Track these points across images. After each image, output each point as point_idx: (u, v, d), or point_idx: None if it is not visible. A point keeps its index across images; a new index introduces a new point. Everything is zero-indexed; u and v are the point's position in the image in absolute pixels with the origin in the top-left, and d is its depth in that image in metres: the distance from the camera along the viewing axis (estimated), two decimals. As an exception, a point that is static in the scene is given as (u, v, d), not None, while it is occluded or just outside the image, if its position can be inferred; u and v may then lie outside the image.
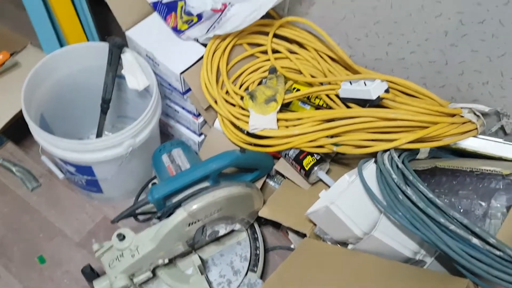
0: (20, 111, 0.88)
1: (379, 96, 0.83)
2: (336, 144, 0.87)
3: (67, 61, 0.97)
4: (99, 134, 1.05)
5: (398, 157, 0.78)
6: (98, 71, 0.98)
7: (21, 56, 1.06)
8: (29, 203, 1.09)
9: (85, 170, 0.94)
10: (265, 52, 1.00)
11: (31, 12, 1.00)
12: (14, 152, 1.15)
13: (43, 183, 1.12)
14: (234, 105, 0.95)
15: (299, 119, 0.90)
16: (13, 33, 1.11)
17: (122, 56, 0.96)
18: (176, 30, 0.95)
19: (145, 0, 0.97)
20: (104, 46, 0.95)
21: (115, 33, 1.12)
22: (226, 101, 0.95)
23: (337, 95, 0.92)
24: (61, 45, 1.07)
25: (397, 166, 0.75)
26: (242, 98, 0.94)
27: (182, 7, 0.90)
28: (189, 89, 0.97)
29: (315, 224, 0.86)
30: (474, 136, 0.80)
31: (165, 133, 1.19)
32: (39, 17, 1.01)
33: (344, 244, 0.81)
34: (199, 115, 1.03)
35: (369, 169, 0.79)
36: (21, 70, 1.04)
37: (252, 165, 0.93)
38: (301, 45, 1.01)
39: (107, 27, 1.22)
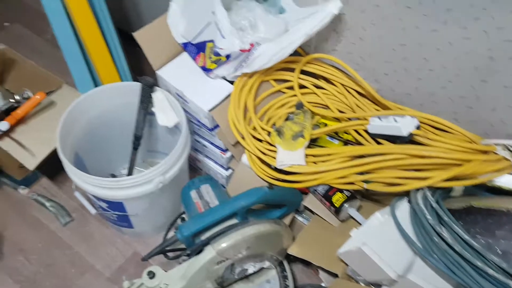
0: (55, 149, 0.91)
1: (410, 133, 0.82)
2: (366, 181, 0.86)
3: (101, 99, 1.01)
4: (130, 170, 1.08)
5: (432, 195, 0.76)
6: (130, 108, 1.01)
7: (56, 96, 1.10)
8: (62, 237, 1.11)
9: (117, 206, 0.95)
10: (291, 88, 1.01)
11: (66, 54, 1.05)
12: (48, 187, 1.19)
13: (75, 218, 1.14)
14: (261, 141, 0.96)
15: (327, 154, 0.90)
16: (49, 72, 1.16)
17: (153, 94, 0.98)
18: (205, 69, 0.98)
19: (175, 41, 1.00)
20: (136, 85, 0.98)
21: (146, 72, 1.16)
22: (254, 136, 0.96)
23: (366, 130, 0.92)
24: (96, 84, 1.11)
25: (431, 205, 0.74)
26: (269, 133, 0.94)
27: (211, 48, 0.92)
28: (217, 125, 0.98)
29: (347, 264, 0.84)
30: (510, 174, 0.77)
31: (193, 167, 1.20)
32: (74, 58, 1.06)
33: (377, 286, 0.79)
34: (226, 150, 1.04)
35: (402, 208, 0.77)
36: (57, 109, 1.08)
37: (281, 201, 0.93)
38: (327, 80, 1.01)
39: (139, 65, 1.26)
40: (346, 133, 0.98)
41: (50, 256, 1.08)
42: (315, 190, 0.93)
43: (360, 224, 0.88)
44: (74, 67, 1.07)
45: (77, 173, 0.89)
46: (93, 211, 1.00)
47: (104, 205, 0.96)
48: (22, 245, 1.09)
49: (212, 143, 1.06)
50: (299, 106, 0.98)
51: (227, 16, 0.84)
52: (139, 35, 0.97)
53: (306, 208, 0.98)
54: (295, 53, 1.01)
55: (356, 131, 0.95)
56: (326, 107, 1.00)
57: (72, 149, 0.99)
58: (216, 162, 1.12)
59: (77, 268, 1.06)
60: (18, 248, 1.08)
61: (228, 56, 0.90)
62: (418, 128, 0.84)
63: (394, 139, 0.86)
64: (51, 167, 1.03)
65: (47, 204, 1.14)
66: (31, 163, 1.00)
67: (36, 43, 1.49)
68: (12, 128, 1.02)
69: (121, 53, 1.12)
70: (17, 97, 1.06)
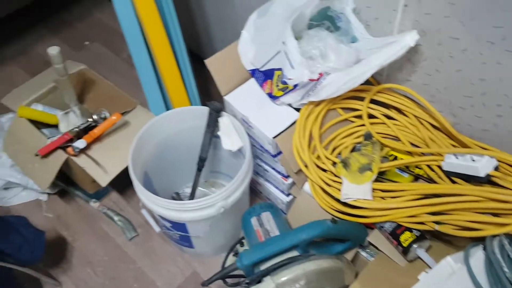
0: (127, 167, 0.95)
1: (487, 174, 0.76)
2: (438, 222, 0.81)
3: (171, 122, 1.05)
4: (193, 189, 1.10)
5: (510, 244, 0.70)
6: (196, 131, 1.03)
7: (130, 116, 1.16)
8: (127, 252, 1.15)
9: (180, 226, 0.98)
10: (360, 117, 0.98)
11: (142, 77, 1.10)
12: (117, 201, 1.24)
13: (140, 233, 1.18)
14: (325, 171, 0.94)
15: (397, 190, 0.86)
16: (125, 93, 1.22)
17: (220, 119, 1.00)
18: (271, 96, 0.98)
19: (244, 68, 1.01)
20: (204, 110, 1.01)
21: (212, 91, 1.18)
22: (317, 166, 0.94)
23: (439, 166, 0.87)
24: (167, 106, 1.16)
25: (508, 255, 0.68)
26: (334, 164, 0.92)
27: (279, 76, 0.92)
28: (280, 152, 0.98)
29: (412, 309, 0.79)
30: None
31: (254, 190, 1.21)
32: (148, 82, 1.11)
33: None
34: (288, 176, 1.03)
35: (477, 256, 0.71)
36: (130, 129, 1.13)
37: (344, 236, 0.90)
38: (399, 111, 0.97)
39: (206, 85, 1.30)
40: (417, 167, 0.93)
41: (115, 270, 1.12)
42: (382, 227, 0.89)
43: (429, 266, 0.82)
44: (148, 90, 1.12)
45: (145, 193, 0.92)
46: (157, 229, 1.03)
47: (168, 224, 0.99)
48: (90, 257, 1.14)
49: (274, 169, 1.06)
50: (368, 136, 0.95)
51: (297, 47, 0.84)
52: (210, 62, 0.99)
53: (370, 243, 0.94)
54: (366, 81, 0.99)
55: (428, 166, 0.90)
56: (397, 138, 0.96)
57: (142, 168, 1.03)
58: (277, 187, 1.11)
59: (140, 283, 1.10)
60: (86, 260, 1.14)
61: (295, 85, 0.89)
62: (496, 169, 0.78)
63: (469, 179, 0.80)
64: (121, 182, 1.07)
65: (115, 218, 1.20)
66: (104, 180, 1.06)
67: (113, 62, 1.58)
68: (88, 145, 1.08)
69: (192, 77, 1.15)
70: (95, 117, 1.12)
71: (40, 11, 1.74)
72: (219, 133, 1.01)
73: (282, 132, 0.96)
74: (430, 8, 0.79)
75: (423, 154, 0.90)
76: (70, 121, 1.17)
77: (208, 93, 1.32)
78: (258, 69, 0.99)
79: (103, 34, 1.67)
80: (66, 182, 1.24)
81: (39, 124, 1.18)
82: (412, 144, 0.94)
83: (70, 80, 1.11)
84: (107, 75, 1.46)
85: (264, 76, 0.98)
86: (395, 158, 0.95)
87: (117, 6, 1.01)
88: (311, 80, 0.87)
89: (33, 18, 1.72)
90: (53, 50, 1.01)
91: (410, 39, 0.80)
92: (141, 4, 1.00)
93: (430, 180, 0.90)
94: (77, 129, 1.10)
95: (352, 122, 1.00)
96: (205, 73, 1.00)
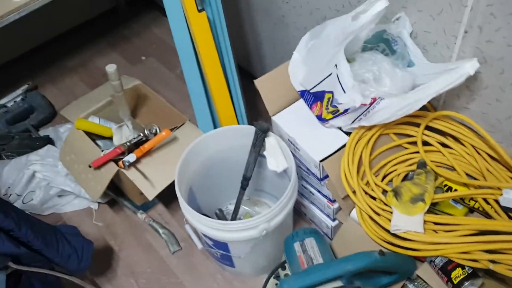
0: (173, 182, 0.97)
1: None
2: (493, 261, 0.76)
3: (218, 140, 1.06)
4: (236, 208, 1.10)
5: None
6: (242, 150, 1.03)
7: (179, 131, 1.18)
8: (169, 265, 1.17)
9: (222, 245, 0.97)
10: (413, 143, 0.94)
11: (192, 95, 1.13)
12: (163, 213, 1.27)
13: (183, 248, 1.20)
14: (375, 198, 0.90)
15: (451, 224, 0.81)
16: (175, 109, 1.25)
17: (266, 139, 1.00)
18: (320, 118, 0.96)
19: (293, 88, 1.01)
20: (251, 129, 1.01)
21: (262, 111, 1.18)
22: (366, 192, 0.91)
23: (497, 201, 0.81)
24: (214, 124, 1.17)
25: None
26: (384, 192, 0.89)
27: (329, 99, 0.91)
28: (327, 176, 0.96)
29: None
30: None
31: (298, 211, 1.19)
32: (198, 100, 1.13)
33: None
34: (334, 200, 1.00)
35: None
36: (178, 144, 1.16)
37: (392, 269, 0.86)
38: (455, 139, 0.92)
39: (254, 103, 1.30)
40: (472, 199, 0.88)
41: (157, 282, 1.14)
42: (432, 261, 0.84)
43: (482, 308, 0.77)
44: (197, 108, 1.14)
45: (189, 210, 0.93)
46: (199, 246, 1.04)
47: (210, 242, 0.99)
48: (134, 268, 1.17)
49: (320, 192, 1.04)
50: (421, 165, 0.90)
51: (349, 71, 0.82)
52: (259, 83, 0.99)
53: (419, 276, 0.89)
54: (422, 107, 0.95)
55: (485, 199, 0.84)
56: (452, 168, 0.91)
57: (187, 184, 1.04)
58: (322, 211, 1.08)
59: (180, 298, 1.10)
60: (130, 271, 1.16)
61: (346, 109, 0.87)
62: None
63: (530, 217, 0.75)
64: (167, 195, 1.09)
65: (160, 230, 1.22)
66: (151, 194, 1.08)
67: (167, 77, 1.63)
68: (138, 159, 1.11)
69: (240, 96, 1.16)
70: (146, 132, 1.15)
71: (101, 26, 1.83)
72: (264, 153, 1.01)
73: (330, 155, 0.94)
74: (492, 36, 0.75)
75: (479, 186, 0.85)
76: (123, 134, 1.22)
77: (256, 109, 1.32)
78: (308, 90, 0.98)
79: (159, 49, 1.73)
80: (116, 192, 1.27)
81: (94, 136, 1.23)
82: (468, 175, 0.89)
83: (125, 96, 1.15)
84: (160, 90, 1.52)
85: (314, 97, 0.97)
86: (449, 188, 0.91)
87: (172, 24, 1.04)
88: (363, 104, 0.85)
89: (95, 32, 1.81)
90: (111, 68, 1.05)
91: (470, 67, 0.76)
92: (195, 23, 1.02)
93: (486, 215, 0.85)
94: (128, 144, 1.13)
95: (406, 148, 0.96)
96: (254, 88, 1.01)
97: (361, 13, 0.81)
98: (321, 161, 0.93)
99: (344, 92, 0.84)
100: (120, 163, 1.09)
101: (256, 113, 1.34)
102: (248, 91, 1.18)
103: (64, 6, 1.41)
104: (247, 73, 1.50)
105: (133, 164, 1.11)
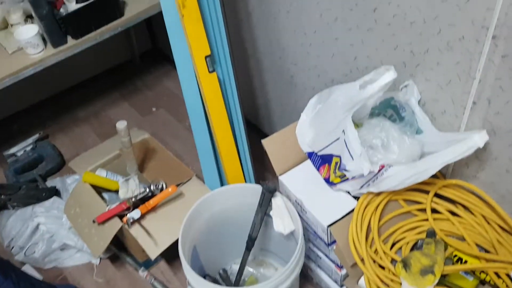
0: (177, 240, 0.95)
1: None
2: None
3: (224, 198, 1.05)
4: (241, 269, 1.07)
5: None
6: (248, 208, 1.02)
7: (186, 187, 1.17)
8: (170, 327, 1.12)
9: (224, 311, 0.94)
10: (423, 210, 0.92)
11: (200, 152, 1.13)
12: (165, 271, 1.24)
13: (184, 308, 1.16)
14: (383, 267, 0.87)
15: (461, 300, 0.78)
16: (183, 164, 1.25)
17: (273, 199, 0.99)
18: (328, 181, 0.95)
19: (301, 149, 1.01)
20: (258, 188, 1.00)
21: (269, 167, 1.18)
22: (374, 261, 0.88)
23: (508, 275, 0.78)
24: (221, 181, 1.17)
25: None
26: (393, 261, 0.86)
27: (336, 163, 0.90)
28: (335, 241, 0.93)
29: None
30: None
31: (305, 275, 1.15)
32: (206, 157, 1.14)
33: None
34: (342, 266, 0.97)
35: None
36: (184, 200, 1.15)
37: None
38: (465, 207, 0.90)
39: (262, 159, 1.29)
40: (483, 272, 0.85)
41: None
42: (443, 339, 0.80)
43: None
44: (205, 164, 1.14)
45: (192, 274, 0.91)
46: (201, 309, 1.00)
47: (212, 307, 0.96)
48: (133, 329, 1.13)
49: (327, 256, 1.01)
50: (431, 234, 0.88)
51: (358, 138, 0.82)
52: (267, 142, 1.00)
53: None
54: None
55: (496, 273, 0.81)
56: (462, 238, 0.88)
57: (191, 242, 1.02)
58: (329, 276, 1.05)
59: None
60: (129, 332, 1.12)
61: (354, 176, 0.86)
62: None
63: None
64: (171, 251, 1.07)
65: (161, 290, 1.18)
66: (153, 253, 1.06)
67: (176, 129, 1.64)
68: (142, 215, 1.10)
69: (248, 154, 1.16)
70: (152, 187, 1.15)
71: (115, 78, 1.88)
72: (271, 213, 0.99)
73: (338, 220, 0.92)
74: (501, 108, 0.75)
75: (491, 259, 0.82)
76: (129, 187, 1.21)
77: (264, 164, 1.32)
78: (315, 152, 0.98)
79: (170, 101, 1.76)
80: (119, 247, 1.25)
81: (100, 188, 1.23)
82: (478, 246, 0.86)
83: (133, 149, 1.16)
84: (169, 141, 1.52)
85: (322, 160, 0.96)
86: (460, 259, 0.88)
87: (182, 83, 1.07)
88: (371, 171, 0.84)
89: (108, 83, 1.85)
90: (121, 125, 1.06)
91: (479, 139, 0.75)
92: (205, 84, 1.04)
93: (499, 290, 0.81)
94: (134, 200, 1.12)
95: (415, 215, 0.94)
96: (262, 153, 1.01)
97: (368, 83, 0.81)
98: (329, 226, 0.91)
99: (352, 158, 0.83)
100: (125, 219, 1.08)
101: (263, 168, 1.33)
102: (256, 146, 1.18)
103: (79, 59, 1.45)
104: (255, 128, 1.51)
105: (137, 220, 1.10)
